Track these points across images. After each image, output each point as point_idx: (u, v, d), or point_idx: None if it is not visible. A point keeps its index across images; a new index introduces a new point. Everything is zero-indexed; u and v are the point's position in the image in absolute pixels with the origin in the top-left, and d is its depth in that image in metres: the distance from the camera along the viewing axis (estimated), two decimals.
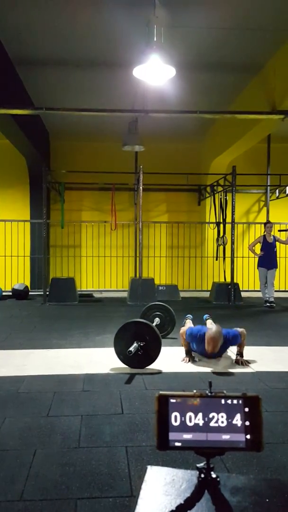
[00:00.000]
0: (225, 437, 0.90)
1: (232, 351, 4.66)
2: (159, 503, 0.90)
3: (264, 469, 2.37)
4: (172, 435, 0.91)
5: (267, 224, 8.78)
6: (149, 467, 1.03)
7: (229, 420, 0.90)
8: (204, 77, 7.74)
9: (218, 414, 0.91)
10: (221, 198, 9.66)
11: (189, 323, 4.81)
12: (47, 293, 8.97)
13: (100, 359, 4.51)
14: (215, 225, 9.72)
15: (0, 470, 2.34)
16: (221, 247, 9.57)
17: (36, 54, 6.95)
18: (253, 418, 0.90)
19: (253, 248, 8.73)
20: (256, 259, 8.81)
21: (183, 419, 0.91)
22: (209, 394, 0.92)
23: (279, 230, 9.10)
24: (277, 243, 8.68)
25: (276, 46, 6.59)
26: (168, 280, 10.84)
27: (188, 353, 4.56)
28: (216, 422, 0.90)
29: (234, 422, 0.90)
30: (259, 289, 8.97)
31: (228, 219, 9.32)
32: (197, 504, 0.88)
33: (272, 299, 8.39)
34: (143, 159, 10.60)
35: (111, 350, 4.31)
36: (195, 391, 0.93)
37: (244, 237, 11.02)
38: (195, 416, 0.91)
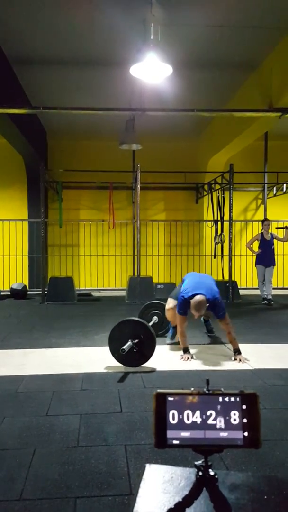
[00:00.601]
0: (223, 434, 0.90)
1: (229, 348, 4.66)
2: (158, 500, 0.90)
3: (262, 466, 2.38)
4: (170, 433, 0.91)
5: (265, 221, 8.78)
6: (147, 465, 1.04)
7: (227, 418, 0.91)
8: (201, 75, 7.74)
9: (216, 411, 0.91)
10: (218, 196, 9.66)
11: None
12: (46, 292, 8.97)
13: (98, 358, 4.51)
14: (213, 223, 9.73)
15: (0, 469, 2.35)
16: (219, 245, 9.58)
17: (32, 53, 6.93)
18: (251, 415, 0.90)
19: (251, 246, 8.74)
20: (254, 256, 8.82)
21: (181, 417, 0.91)
22: (207, 391, 0.92)
23: (277, 228, 9.11)
24: (275, 241, 8.69)
25: (273, 43, 6.59)
26: (166, 278, 10.85)
27: (187, 350, 4.57)
28: (214, 419, 0.91)
29: (232, 419, 0.90)
30: (257, 286, 8.99)
31: (226, 217, 9.32)
32: (195, 502, 0.88)
33: (270, 297, 8.41)
34: (141, 157, 10.59)
35: None
36: (192, 389, 0.93)
37: (242, 235, 11.03)
38: (193, 414, 0.91)
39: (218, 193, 9.71)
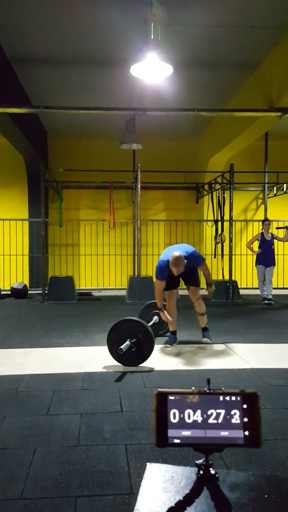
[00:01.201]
0: (224, 433, 0.90)
1: (229, 348, 4.67)
2: (158, 499, 0.90)
3: (263, 466, 2.38)
4: (171, 432, 0.91)
5: (265, 221, 8.78)
6: (148, 464, 1.04)
7: (228, 417, 0.91)
8: (201, 75, 7.74)
9: (216, 410, 0.91)
10: (219, 196, 9.66)
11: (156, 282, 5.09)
12: (46, 292, 8.97)
13: (99, 358, 4.52)
14: (213, 223, 9.73)
15: (0, 468, 2.35)
16: (219, 245, 9.58)
17: (33, 53, 6.93)
18: (252, 415, 0.91)
19: (251, 245, 8.74)
20: (254, 256, 8.82)
21: (181, 416, 0.91)
22: (208, 391, 0.92)
23: (277, 228, 9.11)
24: (275, 241, 8.69)
25: (273, 43, 6.59)
26: None
27: (167, 318, 4.92)
28: (215, 418, 0.91)
29: (232, 418, 0.91)
30: (257, 286, 8.99)
31: (226, 217, 9.32)
32: (196, 500, 0.89)
33: (270, 297, 8.41)
34: (141, 157, 10.59)
35: None
36: (193, 388, 0.93)
37: (242, 234, 11.03)
38: (194, 413, 0.91)
39: (219, 193, 9.71)
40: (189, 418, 0.91)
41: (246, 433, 0.90)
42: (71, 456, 2.49)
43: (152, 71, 5.33)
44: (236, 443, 0.90)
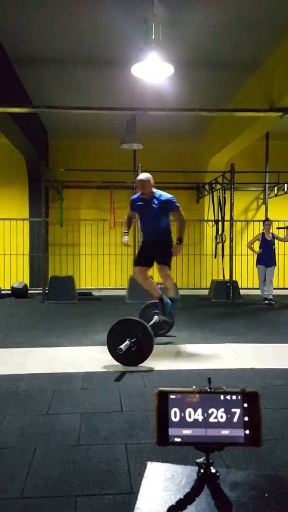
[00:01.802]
0: (224, 432, 0.91)
1: (229, 348, 4.66)
2: (159, 498, 0.90)
3: (263, 465, 2.38)
4: (171, 431, 0.91)
5: (266, 221, 8.79)
6: (149, 463, 1.04)
7: (228, 416, 0.91)
8: (202, 75, 7.74)
9: (217, 409, 0.91)
10: (219, 196, 9.66)
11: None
12: (46, 291, 8.98)
13: (99, 357, 4.51)
14: (213, 223, 9.73)
15: (0, 468, 2.35)
16: (220, 245, 9.58)
17: (34, 52, 6.94)
18: (252, 414, 0.91)
19: (252, 245, 8.74)
20: (255, 256, 8.82)
21: (182, 415, 0.91)
22: (209, 390, 0.93)
23: (278, 228, 9.11)
24: (276, 241, 8.69)
25: (274, 43, 6.59)
26: None
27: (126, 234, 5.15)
28: (216, 417, 0.91)
29: (233, 417, 0.91)
30: (258, 286, 8.99)
31: (227, 217, 9.32)
32: (196, 499, 0.89)
33: (271, 297, 8.41)
34: (141, 157, 10.59)
35: None
36: (194, 387, 0.93)
37: (243, 234, 11.03)
38: (195, 412, 0.91)
39: (219, 193, 9.71)
40: (190, 417, 0.91)
41: (247, 432, 0.90)
42: (71, 455, 2.49)
43: (153, 71, 5.34)
44: (237, 442, 0.91)
